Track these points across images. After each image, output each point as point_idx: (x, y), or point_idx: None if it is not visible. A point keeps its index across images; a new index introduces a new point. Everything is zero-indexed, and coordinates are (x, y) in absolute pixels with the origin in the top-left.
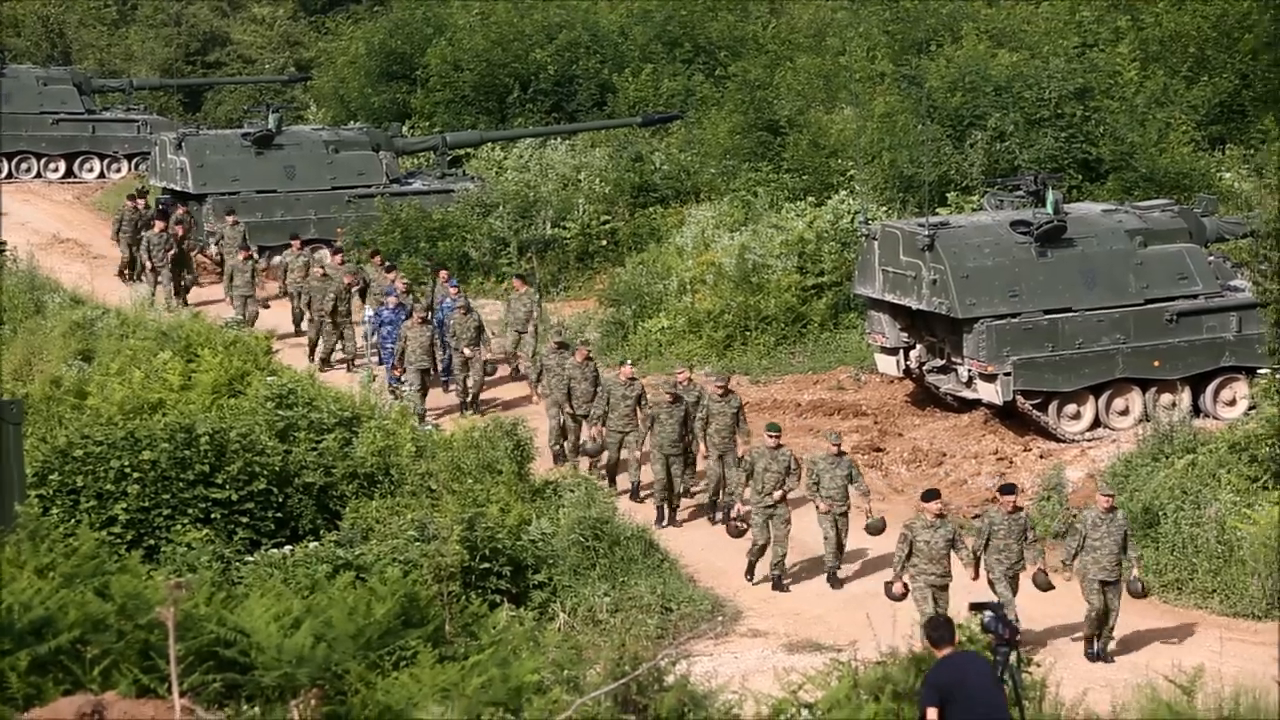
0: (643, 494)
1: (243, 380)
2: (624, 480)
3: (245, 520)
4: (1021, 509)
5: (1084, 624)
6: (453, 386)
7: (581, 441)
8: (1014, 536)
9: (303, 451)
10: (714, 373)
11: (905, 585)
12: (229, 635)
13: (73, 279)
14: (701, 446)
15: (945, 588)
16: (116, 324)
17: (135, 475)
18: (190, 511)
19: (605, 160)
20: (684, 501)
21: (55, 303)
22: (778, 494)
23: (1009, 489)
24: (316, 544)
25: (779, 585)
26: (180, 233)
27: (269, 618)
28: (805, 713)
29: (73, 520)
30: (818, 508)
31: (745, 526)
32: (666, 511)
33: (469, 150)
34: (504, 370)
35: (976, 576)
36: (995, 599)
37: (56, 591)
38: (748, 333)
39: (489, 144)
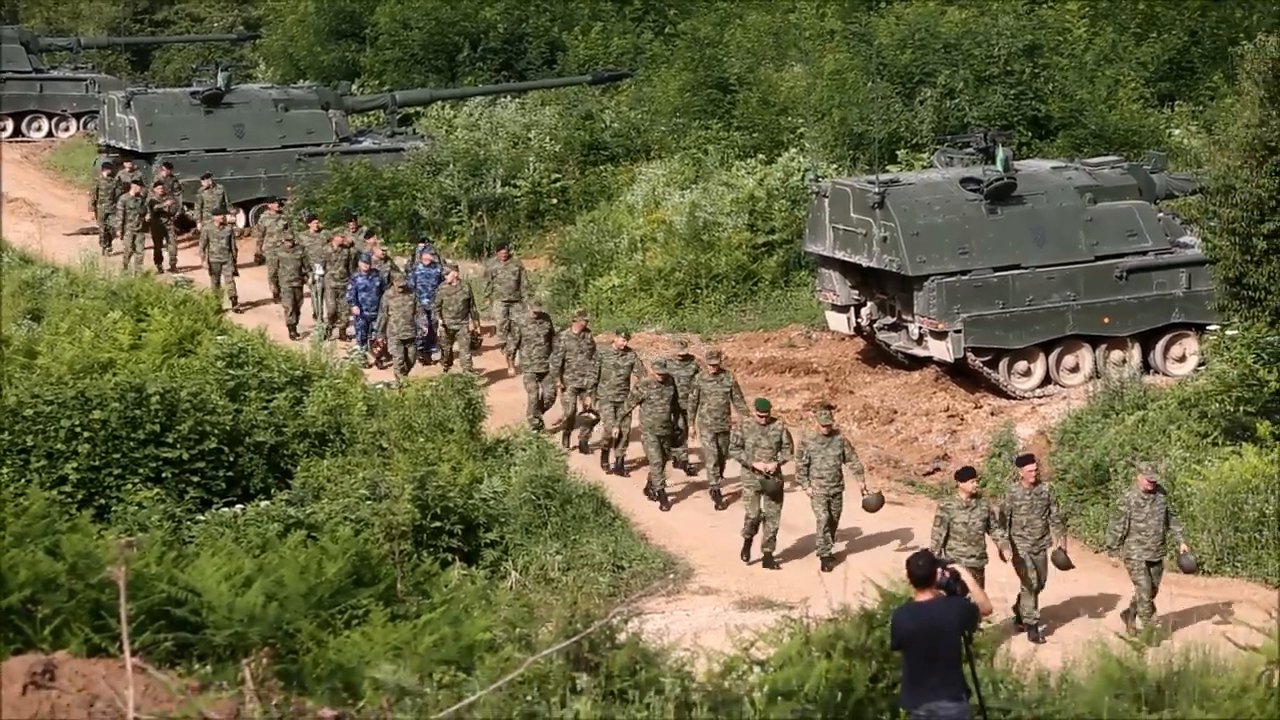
0: (627, 468)
1: (193, 339)
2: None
3: (196, 479)
4: (1043, 482)
5: (1132, 608)
6: (435, 356)
7: (579, 415)
8: (1037, 512)
9: (253, 410)
10: (667, 332)
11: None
12: (180, 594)
13: (21, 238)
14: (692, 427)
15: (982, 570)
16: (66, 283)
17: (86, 435)
18: (141, 471)
19: (555, 119)
20: (679, 476)
21: (4, 262)
22: (770, 466)
23: (1026, 459)
24: (267, 503)
25: (769, 563)
26: (160, 193)
27: (220, 577)
28: (757, 670)
29: (23, 480)
30: (808, 493)
31: (782, 483)
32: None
33: (418, 109)
34: (491, 340)
35: (1006, 559)
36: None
37: (7, 551)
38: (698, 291)
39: (438, 102)
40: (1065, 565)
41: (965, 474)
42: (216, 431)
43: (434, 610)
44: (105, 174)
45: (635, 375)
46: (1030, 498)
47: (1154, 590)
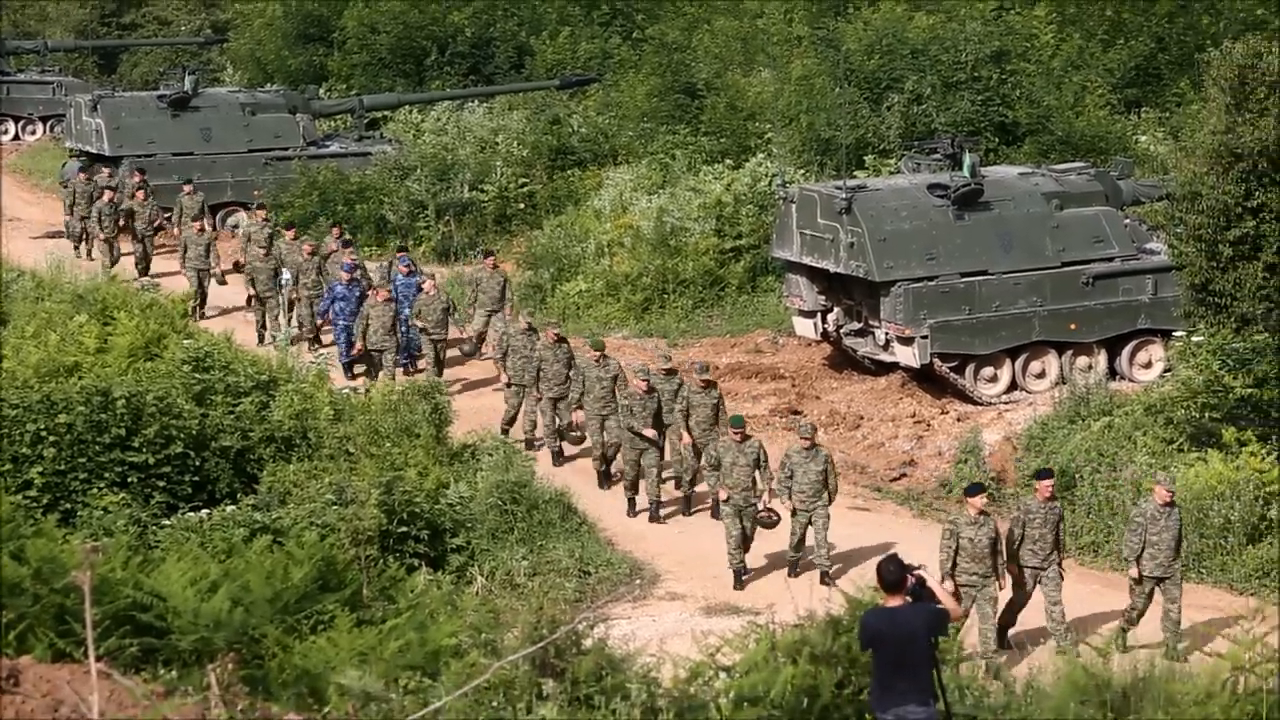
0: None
1: (159, 343)
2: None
3: (162, 484)
4: (1056, 498)
5: (1124, 617)
6: (422, 364)
7: (560, 424)
8: (1049, 527)
9: (220, 415)
10: (635, 337)
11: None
12: (145, 599)
13: None
14: (686, 435)
15: (989, 588)
16: (32, 286)
17: (51, 439)
18: (107, 475)
19: (523, 123)
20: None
21: None
22: (785, 507)
23: (1045, 473)
24: (233, 508)
25: (739, 576)
26: (141, 199)
27: (186, 582)
28: (723, 676)
29: None
30: (792, 509)
31: (777, 517)
32: (638, 503)
33: (386, 113)
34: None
35: (1003, 584)
36: (919, 564)
37: None
38: (666, 295)
39: (406, 107)
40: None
41: (974, 490)
42: (182, 436)
43: (400, 616)
44: (82, 178)
45: (619, 385)
46: (1044, 512)
47: (1148, 606)
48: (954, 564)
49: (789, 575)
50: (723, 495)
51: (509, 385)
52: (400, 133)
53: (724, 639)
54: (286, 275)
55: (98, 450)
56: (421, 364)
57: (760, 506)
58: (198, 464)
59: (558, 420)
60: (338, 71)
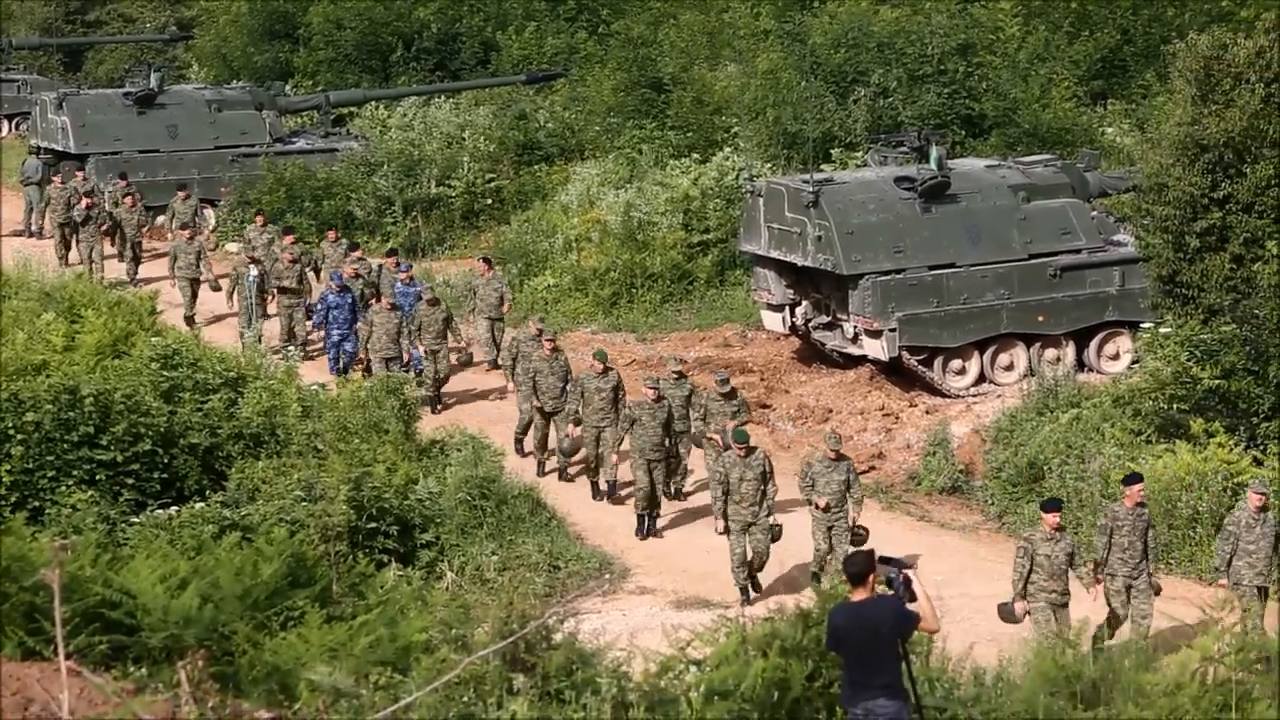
0: (623, 493)
1: (127, 341)
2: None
3: (130, 481)
4: (1145, 504)
5: (1244, 629)
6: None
7: (558, 440)
8: (1138, 534)
9: (188, 412)
10: (603, 331)
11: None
12: (115, 597)
13: None
14: (717, 440)
15: (1065, 605)
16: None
17: (19, 437)
18: (75, 473)
19: (489, 119)
20: (670, 505)
21: None
22: (823, 500)
23: (1135, 478)
24: (202, 505)
25: (746, 594)
26: (131, 204)
27: (155, 579)
28: (694, 669)
29: None
30: (815, 505)
31: (778, 530)
32: (648, 522)
33: (352, 109)
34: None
35: (1095, 596)
36: (902, 557)
37: None
38: (634, 290)
39: (372, 103)
40: (1159, 591)
41: (1051, 505)
42: (151, 433)
43: (370, 611)
44: (57, 182)
45: (617, 400)
46: (1133, 518)
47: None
48: (1026, 583)
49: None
50: (721, 524)
51: (520, 393)
52: (367, 129)
53: (694, 633)
54: (254, 272)
55: (66, 448)
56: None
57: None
58: (166, 461)
59: (553, 435)
60: (304, 68)
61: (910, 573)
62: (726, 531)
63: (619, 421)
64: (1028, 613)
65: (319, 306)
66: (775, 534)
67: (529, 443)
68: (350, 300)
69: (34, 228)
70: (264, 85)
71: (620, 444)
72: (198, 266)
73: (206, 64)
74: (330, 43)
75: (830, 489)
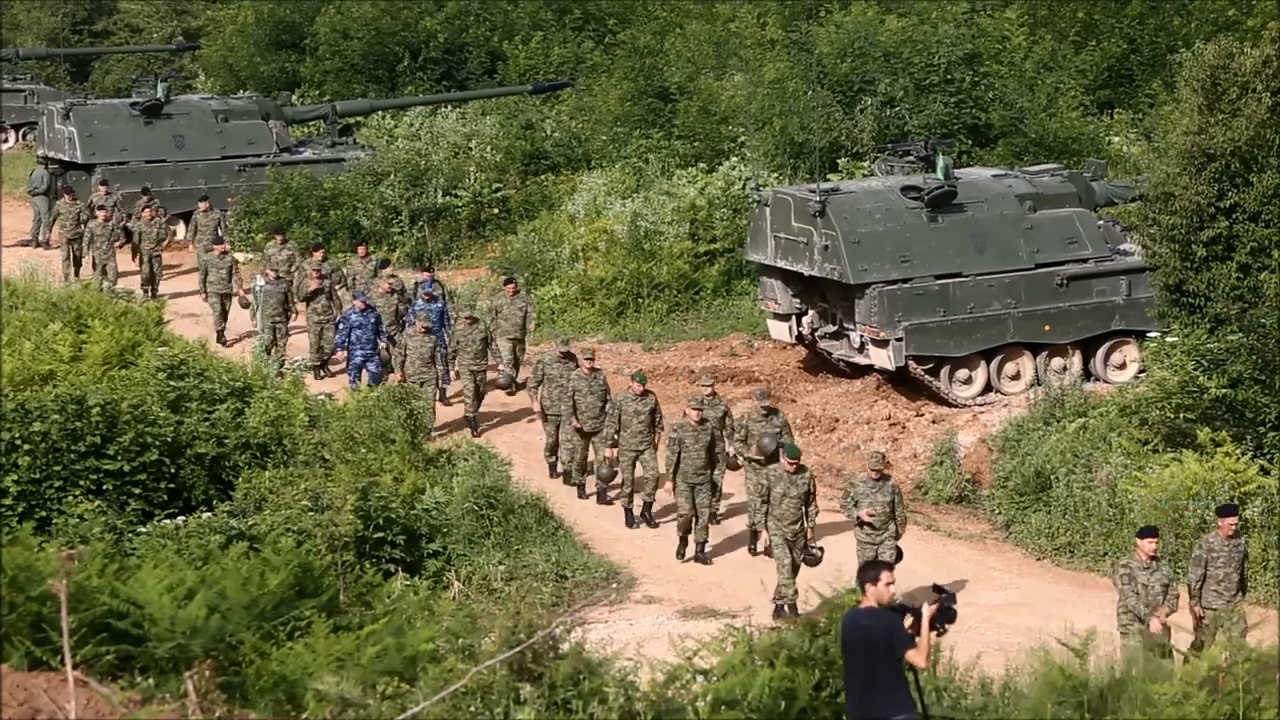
0: (659, 521)
1: (134, 351)
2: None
3: (137, 491)
4: (1241, 534)
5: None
6: (452, 397)
7: (596, 464)
8: (1234, 565)
9: (195, 422)
10: (610, 341)
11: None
12: (122, 607)
13: None
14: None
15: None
16: (5, 295)
17: (26, 447)
18: (82, 483)
19: (496, 128)
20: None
21: None
22: (866, 513)
23: (1229, 510)
24: (209, 515)
25: (780, 610)
26: (149, 217)
27: (162, 589)
28: (700, 679)
29: None
30: (860, 522)
31: (820, 554)
32: (692, 544)
33: (359, 119)
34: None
35: (1198, 628)
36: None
37: None
38: (640, 300)
39: (379, 112)
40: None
41: (1147, 533)
42: (158, 443)
43: (377, 621)
44: (68, 199)
45: (655, 423)
46: (1229, 550)
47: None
48: (1126, 608)
49: None
50: (767, 536)
51: (544, 416)
52: (373, 138)
53: (701, 642)
54: (260, 282)
55: (73, 458)
56: (452, 394)
57: (809, 543)
58: (173, 471)
59: (589, 456)
60: (310, 78)
61: (923, 609)
62: (761, 549)
63: (662, 445)
64: (1165, 626)
65: (340, 326)
66: (815, 559)
67: (561, 461)
68: (374, 320)
69: (41, 238)
70: (271, 95)
71: (664, 469)
72: (229, 282)
73: (213, 74)
74: (337, 53)
75: (876, 510)
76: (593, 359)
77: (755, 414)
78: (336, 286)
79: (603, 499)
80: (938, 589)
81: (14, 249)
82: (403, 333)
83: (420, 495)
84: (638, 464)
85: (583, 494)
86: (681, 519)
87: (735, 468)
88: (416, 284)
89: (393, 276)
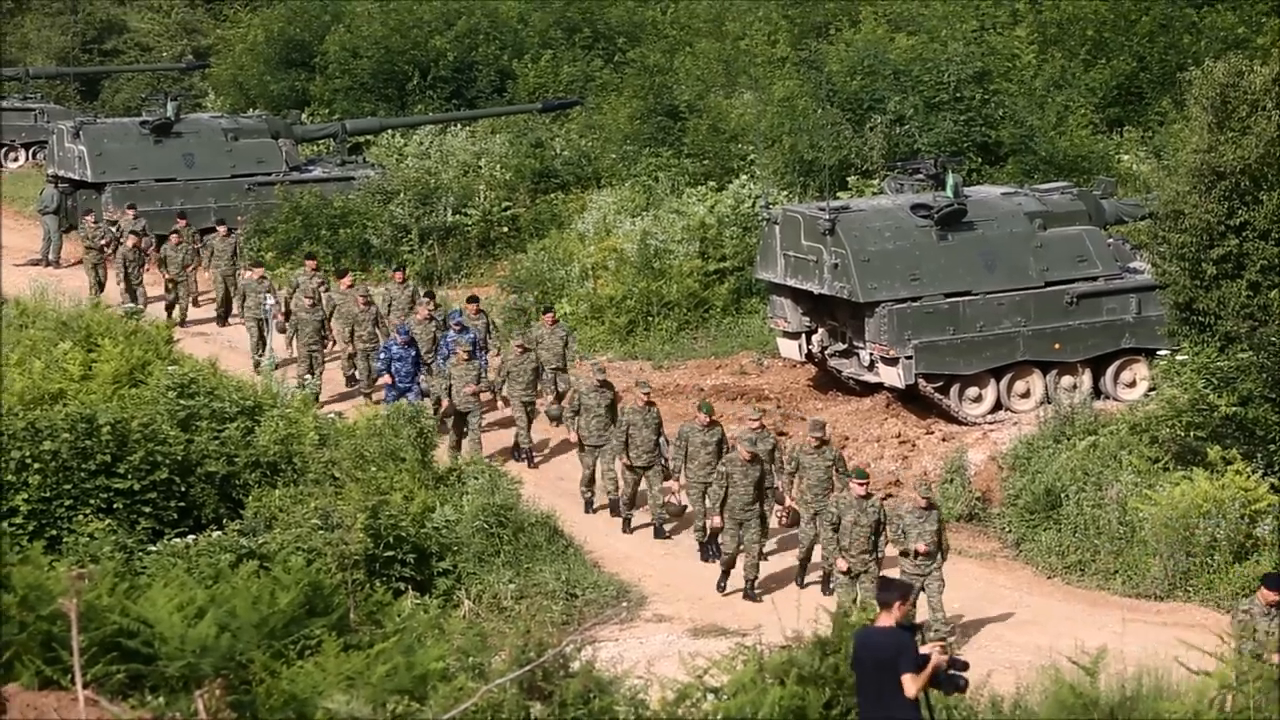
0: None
1: (144, 370)
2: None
3: (148, 510)
4: None
5: None
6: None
7: (651, 498)
8: None
9: (205, 441)
10: (619, 359)
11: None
12: (132, 626)
13: None
14: (788, 499)
15: None
16: (16, 314)
17: (36, 466)
18: (92, 502)
19: (506, 146)
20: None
21: None
22: (923, 547)
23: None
24: (219, 533)
25: None
26: (175, 241)
27: (172, 608)
28: (711, 697)
29: None
30: (911, 554)
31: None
32: (735, 577)
33: (369, 137)
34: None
35: None
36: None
37: None
38: (650, 318)
39: (389, 131)
40: None
41: (1273, 581)
42: (168, 462)
43: (387, 640)
44: (89, 219)
45: (726, 450)
46: None
47: None
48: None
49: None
50: (842, 566)
51: (581, 447)
52: (383, 157)
53: (711, 660)
54: (271, 301)
55: (83, 477)
56: (488, 422)
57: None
58: (183, 490)
59: (650, 493)
60: (320, 96)
61: (930, 651)
62: (827, 587)
63: (716, 480)
64: None
65: (380, 357)
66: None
67: (607, 493)
68: (415, 354)
69: (51, 257)
70: (280, 114)
71: (716, 501)
72: (266, 306)
73: (223, 92)
74: (346, 71)
75: (926, 538)
76: (649, 393)
77: (807, 446)
78: (382, 314)
79: (659, 533)
80: (955, 663)
81: (24, 268)
82: (443, 361)
83: (430, 514)
84: (707, 495)
85: (627, 529)
86: (727, 556)
87: (781, 502)
88: (446, 316)
89: (432, 303)
